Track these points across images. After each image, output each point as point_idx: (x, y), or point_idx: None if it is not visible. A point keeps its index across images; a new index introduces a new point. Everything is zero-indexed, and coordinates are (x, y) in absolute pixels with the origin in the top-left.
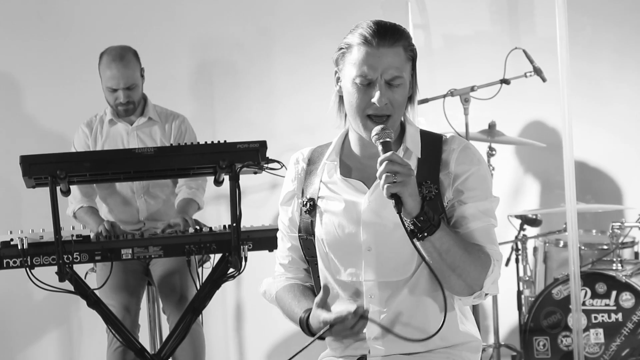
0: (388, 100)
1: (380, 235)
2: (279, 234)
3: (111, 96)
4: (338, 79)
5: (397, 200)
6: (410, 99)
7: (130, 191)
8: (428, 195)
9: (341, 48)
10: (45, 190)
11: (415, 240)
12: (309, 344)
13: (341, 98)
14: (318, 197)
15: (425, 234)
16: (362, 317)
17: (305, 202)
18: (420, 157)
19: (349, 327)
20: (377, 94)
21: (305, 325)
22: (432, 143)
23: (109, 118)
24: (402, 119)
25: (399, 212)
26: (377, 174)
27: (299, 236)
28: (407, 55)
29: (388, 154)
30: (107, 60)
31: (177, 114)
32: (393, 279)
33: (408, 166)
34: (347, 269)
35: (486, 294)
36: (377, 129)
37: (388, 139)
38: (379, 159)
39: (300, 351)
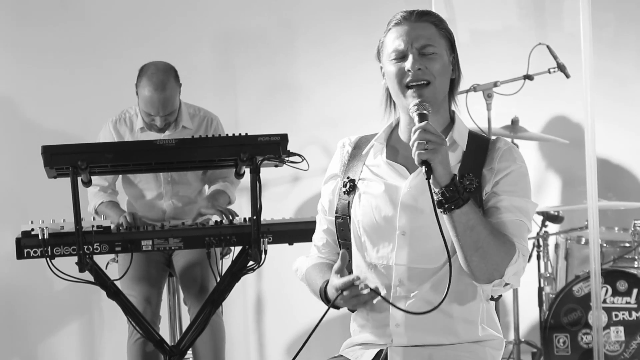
0: (423, 66)
1: (416, 221)
2: (317, 216)
3: (147, 117)
4: (383, 74)
5: (428, 168)
6: (455, 82)
7: (158, 196)
8: (468, 187)
9: (379, 41)
10: (67, 181)
11: (442, 212)
12: (323, 315)
13: (388, 91)
14: (359, 179)
15: (453, 207)
16: (372, 290)
17: (345, 183)
18: (465, 150)
19: (355, 295)
20: (409, 60)
21: (323, 294)
22: (480, 140)
23: (141, 126)
24: (452, 112)
25: (427, 179)
26: (410, 142)
27: (335, 217)
28: (439, 32)
29: (422, 123)
30: (147, 86)
31: (210, 116)
32: (423, 266)
33: (441, 136)
34: (379, 252)
35: (506, 284)
36: (415, 100)
37: (425, 112)
38: (413, 129)
39: (316, 326)
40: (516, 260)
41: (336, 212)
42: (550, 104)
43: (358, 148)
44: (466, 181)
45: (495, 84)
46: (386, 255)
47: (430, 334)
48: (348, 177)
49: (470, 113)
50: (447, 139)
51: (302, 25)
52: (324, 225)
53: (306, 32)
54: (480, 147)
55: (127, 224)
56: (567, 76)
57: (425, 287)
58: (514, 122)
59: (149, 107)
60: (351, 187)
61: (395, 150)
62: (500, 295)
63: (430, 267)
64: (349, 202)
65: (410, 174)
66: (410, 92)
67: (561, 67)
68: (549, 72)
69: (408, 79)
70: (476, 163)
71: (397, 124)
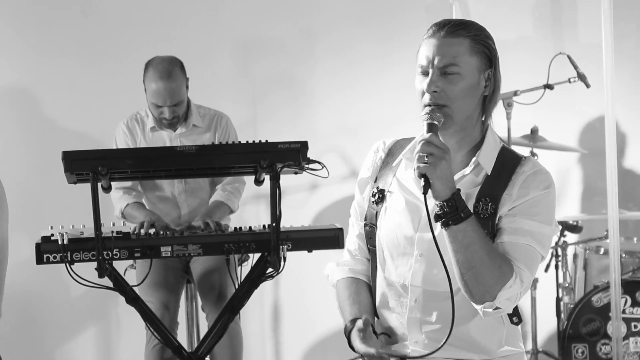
0: (440, 89)
1: (434, 244)
2: (350, 219)
3: (156, 111)
4: None
5: (426, 182)
6: (488, 99)
7: (173, 196)
8: (482, 214)
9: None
10: (86, 186)
11: (440, 226)
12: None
13: None
14: (388, 191)
15: (450, 222)
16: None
17: (375, 193)
18: (489, 174)
19: None
20: (426, 80)
21: (347, 335)
22: (509, 162)
23: (152, 125)
24: (485, 129)
25: (424, 193)
26: (414, 153)
27: (364, 224)
28: (474, 47)
29: (427, 135)
30: (153, 76)
31: (220, 114)
32: (439, 289)
33: (444, 150)
34: (397, 269)
35: (496, 308)
36: (427, 108)
37: (435, 122)
38: (418, 139)
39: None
40: (511, 286)
41: (365, 220)
42: (570, 114)
43: (391, 155)
44: (481, 206)
45: (515, 93)
46: (403, 274)
47: (447, 348)
48: (378, 187)
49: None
50: (471, 162)
51: (321, 33)
52: (356, 230)
53: (325, 40)
54: (506, 169)
55: (149, 226)
56: (588, 86)
57: (440, 311)
58: (534, 131)
59: (156, 97)
60: (380, 198)
61: None
62: (521, 320)
63: (446, 291)
64: (377, 212)
65: None
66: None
67: (581, 77)
68: (569, 82)
69: (426, 100)
70: (497, 187)
71: None
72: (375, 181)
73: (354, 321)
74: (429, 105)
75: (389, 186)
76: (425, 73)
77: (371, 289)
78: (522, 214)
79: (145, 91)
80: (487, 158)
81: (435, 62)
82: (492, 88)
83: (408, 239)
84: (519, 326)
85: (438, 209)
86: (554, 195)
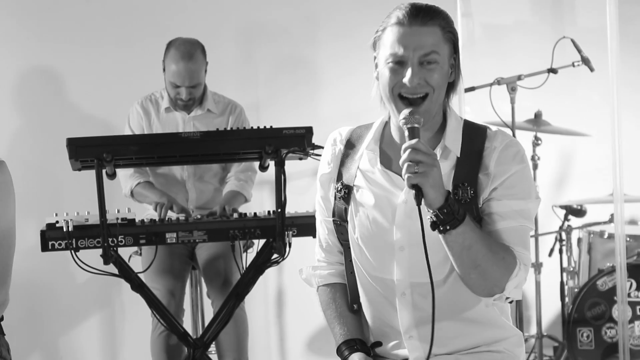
0: (422, 80)
1: (414, 236)
2: (317, 215)
3: (173, 91)
4: (376, 65)
5: (418, 191)
6: (453, 85)
7: (182, 181)
8: (463, 199)
9: (377, 31)
10: (91, 173)
11: (438, 232)
12: None
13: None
14: (354, 185)
15: (448, 227)
16: None
17: (340, 189)
18: (459, 156)
19: None
20: (408, 73)
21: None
22: (475, 139)
23: (166, 106)
24: (445, 110)
25: (418, 204)
26: (400, 162)
27: (332, 220)
28: (444, 35)
29: (412, 141)
30: (174, 56)
31: (235, 104)
32: (425, 280)
33: (432, 155)
34: (379, 264)
35: (507, 298)
36: (405, 112)
37: (416, 125)
38: (403, 146)
39: None
40: (517, 274)
41: (334, 216)
42: (574, 98)
43: (351, 147)
44: (461, 192)
45: (519, 77)
46: (386, 269)
47: (446, 344)
48: (342, 183)
49: (494, 106)
50: (438, 147)
51: (324, 18)
52: (325, 227)
53: (328, 24)
54: (475, 146)
55: (166, 210)
56: (592, 70)
57: (429, 301)
58: (537, 115)
59: (175, 76)
60: (347, 194)
61: (388, 155)
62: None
63: (434, 281)
64: (345, 208)
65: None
66: (402, 103)
67: (585, 61)
68: (573, 66)
69: (402, 91)
70: (471, 168)
71: (388, 121)
72: (339, 177)
73: (347, 343)
74: (405, 97)
75: (354, 180)
76: (399, 63)
77: (349, 300)
78: (506, 196)
79: (163, 70)
80: (453, 139)
81: (416, 52)
82: (457, 74)
83: (385, 234)
84: (509, 313)
85: (434, 217)
86: (529, 165)
